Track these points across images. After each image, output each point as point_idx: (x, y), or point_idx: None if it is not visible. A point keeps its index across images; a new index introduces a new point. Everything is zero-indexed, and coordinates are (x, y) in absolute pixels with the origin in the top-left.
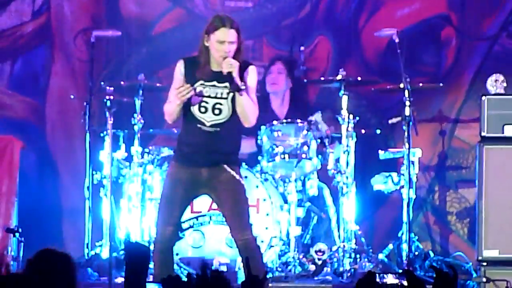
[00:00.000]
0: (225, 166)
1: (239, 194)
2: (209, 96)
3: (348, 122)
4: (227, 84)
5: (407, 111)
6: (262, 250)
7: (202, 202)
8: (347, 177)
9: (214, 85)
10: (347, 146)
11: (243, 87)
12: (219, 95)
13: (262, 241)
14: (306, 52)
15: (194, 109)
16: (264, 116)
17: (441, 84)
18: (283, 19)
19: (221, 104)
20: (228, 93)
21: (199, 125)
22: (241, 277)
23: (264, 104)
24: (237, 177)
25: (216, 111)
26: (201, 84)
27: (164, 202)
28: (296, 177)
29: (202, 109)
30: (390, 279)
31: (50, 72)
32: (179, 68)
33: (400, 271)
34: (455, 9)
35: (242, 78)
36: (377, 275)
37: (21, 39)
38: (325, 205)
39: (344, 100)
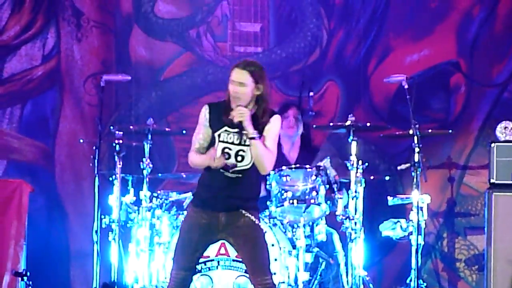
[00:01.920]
0: (243, 211)
1: (258, 238)
2: (232, 143)
3: (357, 168)
4: None
5: (416, 158)
6: None
7: (210, 247)
8: (355, 223)
9: (237, 132)
10: (356, 192)
11: (254, 135)
12: (242, 142)
13: None
14: (315, 97)
15: (217, 156)
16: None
17: (450, 131)
18: (292, 65)
19: (244, 151)
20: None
21: (221, 171)
22: None
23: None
24: (256, 221)
25: (239, 158)
26: (225, 131)
27: (179, 246)
28: (304, 222)
29: (226, 156)
30: None
31: (59, 116)
32: (204, 113)
33: None
34: (464, 56)
35: (264, 126)
36: None
37: (31, 83)
38: (334, 251)
39: (353, 146)
